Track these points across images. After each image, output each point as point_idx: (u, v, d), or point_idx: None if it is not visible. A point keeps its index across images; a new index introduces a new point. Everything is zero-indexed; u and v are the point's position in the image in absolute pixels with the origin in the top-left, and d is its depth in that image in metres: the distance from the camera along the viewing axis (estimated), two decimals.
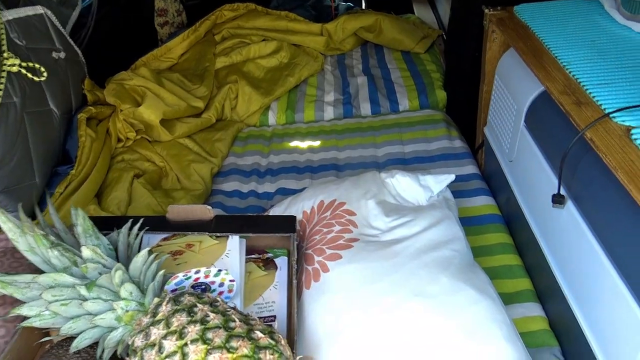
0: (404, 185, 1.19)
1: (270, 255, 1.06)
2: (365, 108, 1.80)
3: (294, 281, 0.94)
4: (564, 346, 1.00)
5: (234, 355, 0.70)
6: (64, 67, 1.43)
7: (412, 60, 2.03)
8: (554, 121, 0.97)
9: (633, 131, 0.80)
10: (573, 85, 0.95)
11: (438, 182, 1.19)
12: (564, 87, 0.95)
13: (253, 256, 1.05)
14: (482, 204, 1.33)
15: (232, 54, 1.99)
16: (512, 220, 1.25)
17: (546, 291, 1.06)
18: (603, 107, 0.86)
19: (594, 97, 0.89)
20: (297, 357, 0.76)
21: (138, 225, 0.88)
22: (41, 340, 0.82)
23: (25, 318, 0.80)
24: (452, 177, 1.20)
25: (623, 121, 0.83)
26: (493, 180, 1.39)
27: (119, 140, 1.55)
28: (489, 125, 1.37)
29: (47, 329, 0.82)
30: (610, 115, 0.84)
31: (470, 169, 1.45)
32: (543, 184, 0.99)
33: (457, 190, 1.35)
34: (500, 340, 0.84)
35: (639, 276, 0.73)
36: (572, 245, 0.90)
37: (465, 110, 1.66)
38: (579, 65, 0.99)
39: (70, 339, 0.80)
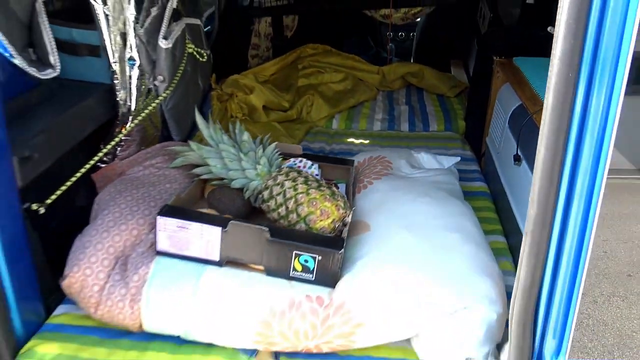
0: (426, 159, 1.81)
1: (335, 182, 1.68)
2: (404, 126, 2.44)
3: (351, 187, 1.55)
4: (514, 255, 1.54)
5: (322, 193, 1.31)
6: (206, 61, 2.13)
7: (444, 101, 2.68)
8: (520, 118, 1.59)
9: None
10: (535, 98, 1.57)
11: (448, 161, 1.81)
12: (530, 99, 1.57)
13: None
14: (478, 186, 1.91)
15: (311, 77, 2.69)
16: (497, 196, 1.83)
17: (509, 228, 1.63)
18: None
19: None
20: (353, 209, 1.36)
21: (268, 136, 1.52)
22: (211, 184, 1.45)
23: (197, 176, 1.43)
24: (457, 158, 1.82)
25: None
26: (488, 175, 1.98)
27: (232, 117, 2.22)
28: (489, 135, 1.99)
29: (214, 180, 1.45)
30: None
31: (474, 167, 2.05)
32: (510, 157, 1.59)
33: (464, 178, 1.95)
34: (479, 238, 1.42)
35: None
36: (523, 189, 1.48)
37: (477, 136, 2.28)
38: (541, 87, 1.61)
39: (225, 187, 1.42)
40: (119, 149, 1.62)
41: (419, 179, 1.58)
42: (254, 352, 1.25)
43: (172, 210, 1.27)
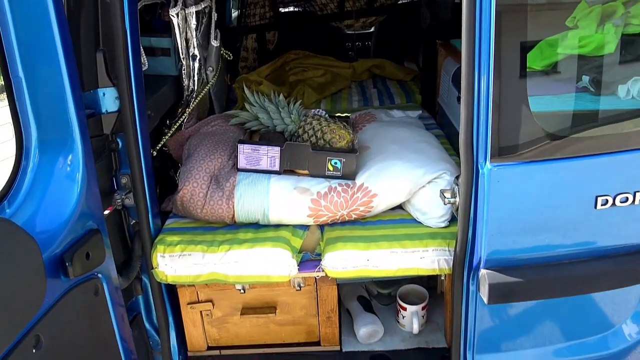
0: (397, 114, 2.56)
1: None
2: (376, 103, 3.20)
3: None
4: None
5: (337, 125, 2.03)
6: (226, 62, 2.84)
7: (403, 84, 3.46)
8: (458, 75, 2.35)
9: None
10: None
11: (413, 113, 2.57)
12: None
13: None
14: (436, 132, 2.66)
15: (298, 74, 3.43)
16: (449, 136, 2.58)
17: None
18: None
19: None
20: (357, 139, 2.08)
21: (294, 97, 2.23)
22: (259, 133, 2.14)
23: (249, 128, 2.13)
24: (419, 112, 2.58)
25: None
26: (442, 125, 2.74)
27: None
28: (440, 96, 2.76)
29: (258, 129, 2.14)
30: None
31: (432, 121, 2.81)
32: (455, 102, 2.35)
33: (426, 128, 2.70)
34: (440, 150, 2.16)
35: None
36: None
37: (431, 103, 3.05)
38: None
39: (271, 132, 2.12)
40: (184, 121, 2.30)
41: (396, 120, 2.33)
42: (306, 227, 1.94)
43: (246, 141, 1.96)
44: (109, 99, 1.69)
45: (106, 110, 1.69)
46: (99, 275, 1.53)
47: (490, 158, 1.51)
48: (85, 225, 1.45)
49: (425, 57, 3.19)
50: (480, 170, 1.52)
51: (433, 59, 2.91)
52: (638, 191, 1.56)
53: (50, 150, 1.34)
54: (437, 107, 2.89)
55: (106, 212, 1.71)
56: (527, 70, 1.61)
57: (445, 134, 2.63)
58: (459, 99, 2.32)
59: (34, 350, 1.24)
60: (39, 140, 1.33)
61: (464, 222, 1.59)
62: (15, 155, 1.32)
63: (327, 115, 2.22)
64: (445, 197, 1.68)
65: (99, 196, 1.52)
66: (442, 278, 1.96)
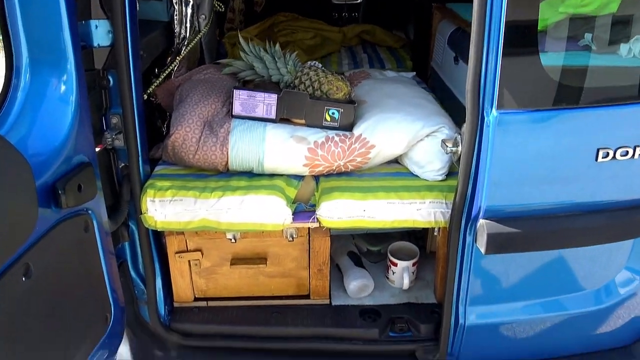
0: (391, 74, 2.52)
1: None
2: (366, 67, 3.15)
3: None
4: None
5: (335, 77, 1.98)
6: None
7: (393, 51, 3.42)
8: (455, 36, 2.33)
9: None
10: (465, 22, 2.32)
11: (407, 75, 2.53)
12: (462, 22, 2.31)
13: None
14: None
15: (287, 36, 3.35)
16: (443, 97, 2.57)
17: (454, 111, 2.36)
18: None
19: None
20: (354, 92, 2.04)
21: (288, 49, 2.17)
22: (254, 82, 2.08)
23: (240, 79, 2.07)
24: (413, 73, 2.55)
25: None
26: (434, 89, 2.72)
27: None
28: (433, 59, 2.74)
29: (253, 80, 2.08)
30: None
31: (424, 85, 2.78)
32: (451, 63, 2.33)
33: None
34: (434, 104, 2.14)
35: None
36: (460, 77, 2.21)
37: (421, 70, 3.03)
38: (467, 15, 2.36)
39: (266, 82, 2.06)
40: (175, 69, 2.22)
41: (390, 77, 2.30)
42: (301, 177, 1.90)
43: (242, 86, 1.90)
44: (101, 32, 1.60)
45: (98, 44, 1.61)
46: (89, 211, 1.47)
47: (497, 105, 1.49)
48: (78, 157, 1.38)
49: (417, 22, 3.16)
50: (486, 118, 1.50)
51: (426, 24, 2.88)
52: (638, 145, 1.56)
53: (43, 71, 1.26)
54: (429, 72, 2.87)
55: (97, 149, 1.63)
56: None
57: (438, 98, 2.61)
58: (455, 59, 2.31)
59: (23, 279, 1.18)
60: (30, 59, 1.25)
61: (465, 170, 1.57)
62: (5, 74, 1.24)
63: (323, 69, 2.17)
64: (447, 147, 1.66)
65: (91, 128, 1.45)
66: (436, 233, 1.95)
